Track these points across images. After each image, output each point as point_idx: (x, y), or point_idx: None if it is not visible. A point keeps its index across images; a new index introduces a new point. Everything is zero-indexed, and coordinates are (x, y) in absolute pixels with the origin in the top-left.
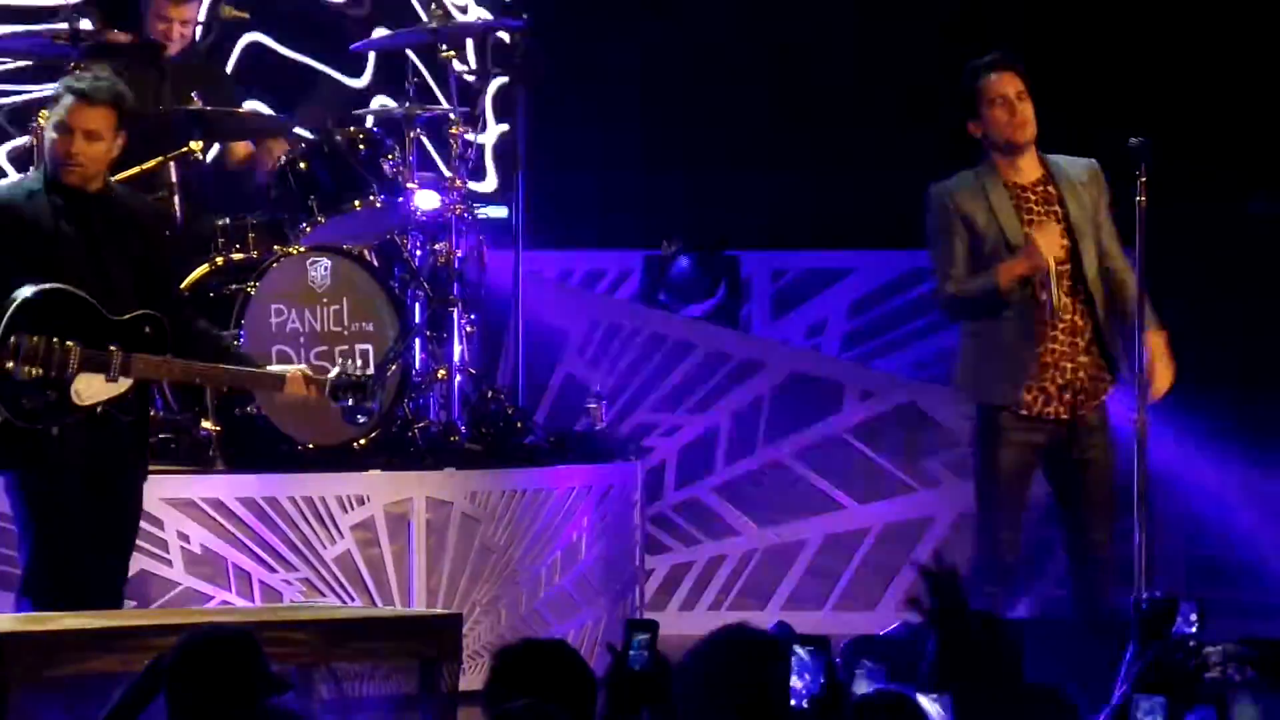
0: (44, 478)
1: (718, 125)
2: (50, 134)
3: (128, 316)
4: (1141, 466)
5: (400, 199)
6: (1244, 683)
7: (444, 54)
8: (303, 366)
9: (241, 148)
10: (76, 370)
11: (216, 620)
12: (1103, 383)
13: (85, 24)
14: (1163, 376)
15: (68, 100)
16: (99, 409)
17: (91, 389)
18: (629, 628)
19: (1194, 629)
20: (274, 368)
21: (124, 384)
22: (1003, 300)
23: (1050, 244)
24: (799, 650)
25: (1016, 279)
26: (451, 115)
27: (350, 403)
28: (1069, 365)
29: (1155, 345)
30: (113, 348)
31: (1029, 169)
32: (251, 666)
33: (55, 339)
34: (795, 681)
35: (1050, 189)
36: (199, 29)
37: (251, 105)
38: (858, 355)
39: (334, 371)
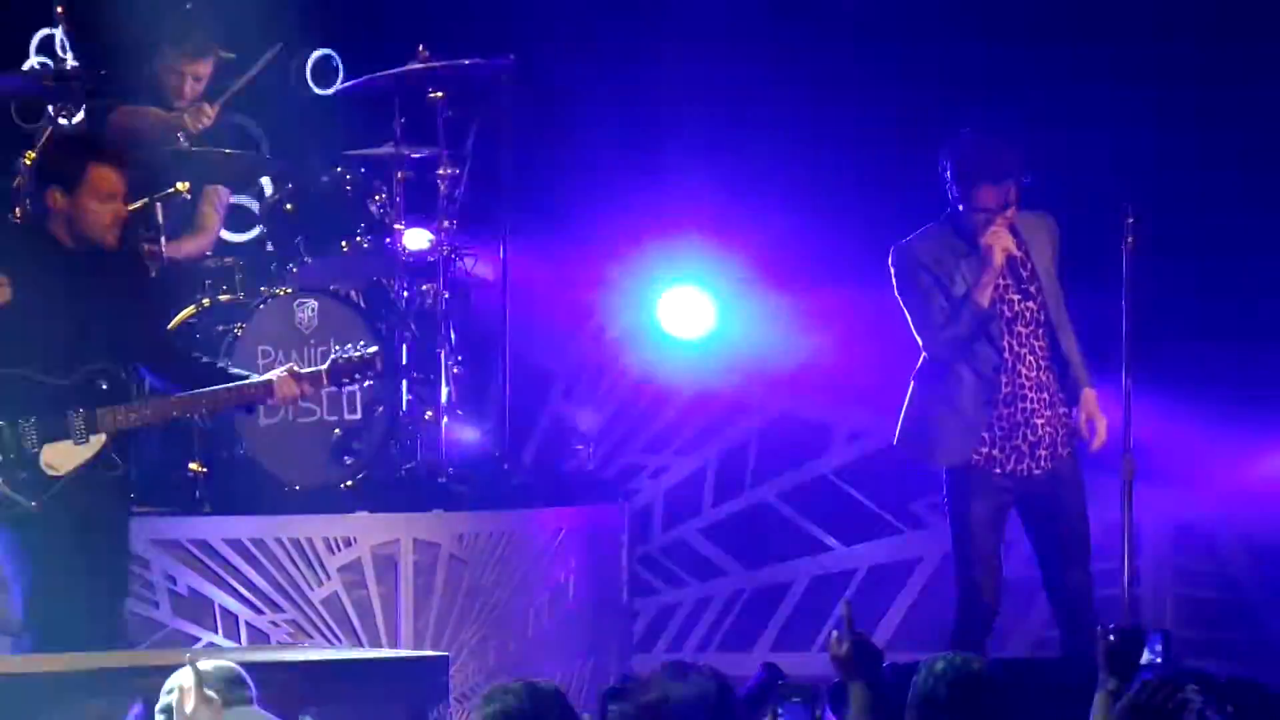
0: (33, 537)
1: (708, 165)
2: (91, 205)
3: (78, 376)
4: (1128, 507)
5: (388, 240)
6: None
7: (431, 95)
8: (290, 365)
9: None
10: (38, 444)
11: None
12: (1067, 433)
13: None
14: (1100, 431)
15: (102, 169)
16: (77, 473)
17: (61, 457)
18: (605, 698)
19: (1160, 659)
20: (260, 376)
21: (96, 443)
22: (979, 333)
23: (1002, 241)
24: (787, 701)
25: (990, 289)
26: (439, 157)
27: (359, 381)
28: (1040, 422)
29: (1089, 401)
30: (72, 412)
31: None
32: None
33: (3, 424)
34: None
35: (1017, 250)
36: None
37: None
38: (845, 397)
39: (329, 361)
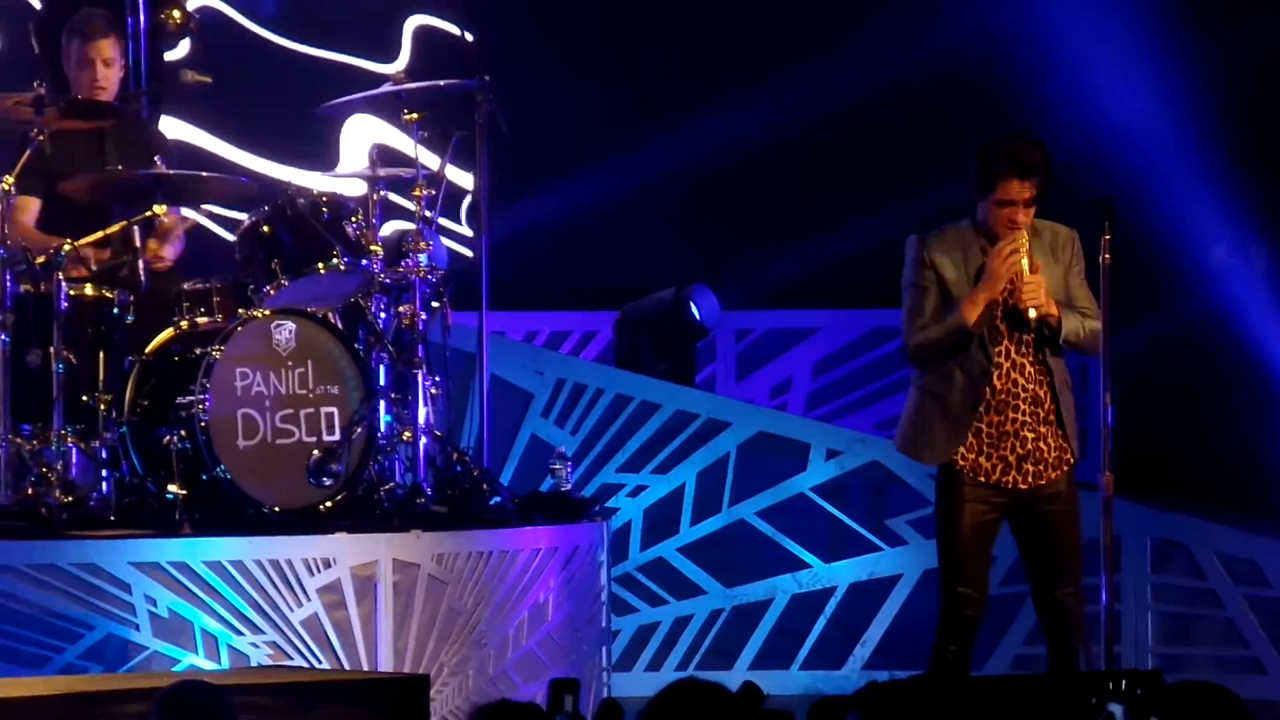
0: None
1: (685, 185)
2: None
3: None
4: (1108, 528)
5: (364, 262)
6: None
7: (407, 116)
8: None
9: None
10: None
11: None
12: (1065, 454)
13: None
14: (1034, 289)
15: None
16: None
17: None
18: (553, 688)
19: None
20: None
21: None
22: (963, 344)
23: (1007, 265)
24: None
25: (981, 308)
26: (415, 178)
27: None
28: (1030, 435)
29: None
30: None
31: None
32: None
33: None
34: None
35: (1029, 255)
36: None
37: None
38: (822, 414)
39: None
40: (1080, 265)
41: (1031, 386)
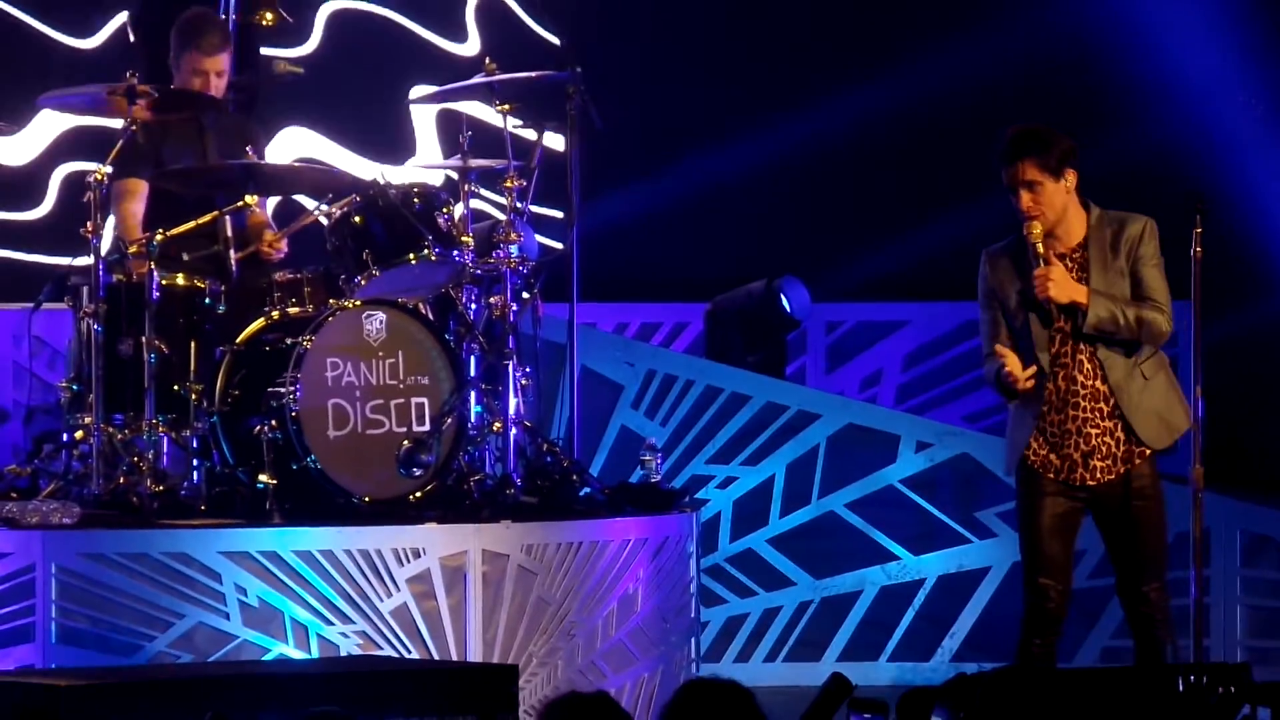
0: None
1: (776, 177)
2: None
3: None
4: (1197, 521)
5: (455, 253)
6: None
7: (499, 108)
8: None
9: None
10: None
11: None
12: (1137, 446)
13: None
14: (1058, 281)
15: None
16: None
17: None
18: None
19: None
20: None
21: None
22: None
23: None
24: (857, 715)
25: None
26: (506, 169)
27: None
28: (1094, 431)
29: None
30: None
31: (1071, 233)
32: None
33: None
34: None
35: (1086, 255)
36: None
37: None
38: (912, 407)
39: None
40: (1149, 254)
41: (1091, 382)
